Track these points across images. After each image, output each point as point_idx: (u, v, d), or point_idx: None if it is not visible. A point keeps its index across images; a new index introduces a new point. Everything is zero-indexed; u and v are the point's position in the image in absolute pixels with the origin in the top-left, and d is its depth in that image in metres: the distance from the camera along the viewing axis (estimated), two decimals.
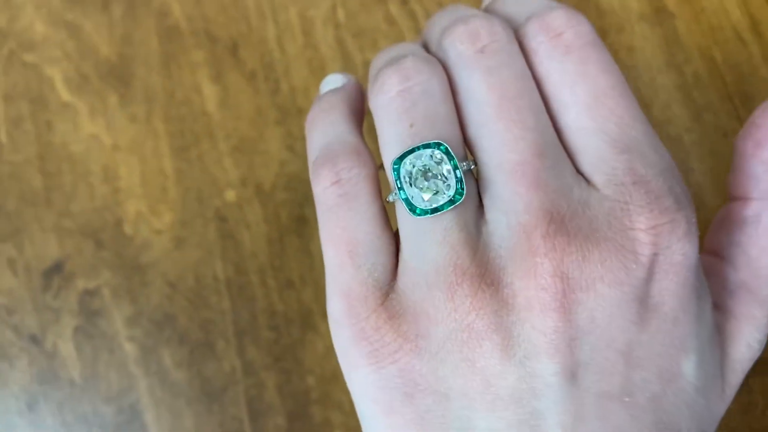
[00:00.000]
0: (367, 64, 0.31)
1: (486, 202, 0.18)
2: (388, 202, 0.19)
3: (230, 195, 0.30)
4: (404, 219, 0.19)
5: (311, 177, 0.20)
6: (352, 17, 0.32)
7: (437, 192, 0.18)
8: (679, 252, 0.17)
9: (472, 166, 0.18)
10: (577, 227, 0.17)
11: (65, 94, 0.31)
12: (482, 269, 0.17)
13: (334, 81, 0.22)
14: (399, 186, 0.18)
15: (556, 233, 0.17)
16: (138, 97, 0.31)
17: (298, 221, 0.30)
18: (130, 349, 0.29)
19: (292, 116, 0.31)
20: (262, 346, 0.29)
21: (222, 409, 0.29)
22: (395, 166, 0.18)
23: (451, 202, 0.18)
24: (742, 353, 0.20)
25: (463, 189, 0.18)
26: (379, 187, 0.19)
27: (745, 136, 0.20)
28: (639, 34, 0.31)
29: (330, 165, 0.19)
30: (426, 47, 0.22)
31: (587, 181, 0.18)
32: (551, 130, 0.18)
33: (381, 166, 0.20)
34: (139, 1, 0.32)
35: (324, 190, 0.19)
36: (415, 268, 0.18)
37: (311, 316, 0.29)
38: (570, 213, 0.17)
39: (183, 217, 0.30)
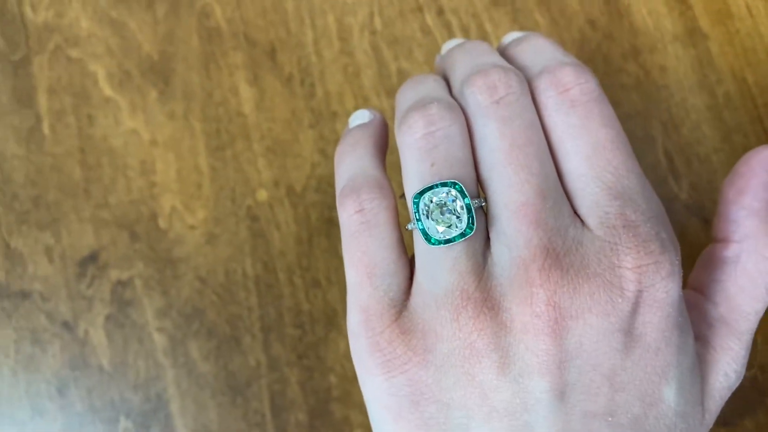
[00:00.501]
0: (401, 73, 0.32)
1: (492, 235, 0.20)
2: (407, 229, 0.21)
3: (262, 195, 0.31)
4: (420, 246, 0.21)
5: (338, 205, 0.22)
6: (389, 25, 0.32)
7: (450, 225, 0.20)
8: (662, 290, 0.19)
9: (483, 203, 0.20)
10: (570, 263, 0.19)
11: (107, 89, 0.32)
12: (485, 295, 0.19)
13: (361, 116, 0.24)
14: (417, 218, 0.20)
15: (551, 267, 0.19)
16: (177, 94, 0.32)
17: (328, 223, 0.31)
18: (159, 339, 0.30)
19: (325, 120, 0.31)
20: (286, 342, 0.30)
21: (245, 402, 0.29)
22: (415, 200, 0.20)
23: (462, 235, 0.20)
24: (721, 382, 0.22)
25: (473, 224, 0.20)
26: (398, 217, 0.21)
27: (729, 184, 0.22)
28: (672, 54, 0.31)
29: (354, 195, 0.21)
30: (445, 79, 0.24)
31: (582, 222, 0.20)
32: (554, 175, 0.20)
33: (402, 196, 0.22)
34: (182, 1, 0.33)
35: (348, 217, 0.21)
36: (427, 291, 0.20)
37: (336, 316, 0.30)
38: (564, 250, 0.19)
39: (216, 214, 0.31)
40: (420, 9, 0.32)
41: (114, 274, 0.31)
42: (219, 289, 0.30)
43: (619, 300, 0.19)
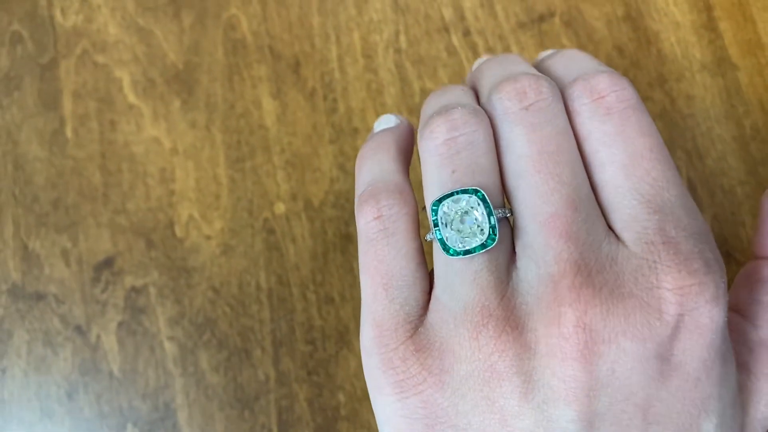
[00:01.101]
0: (424, 92, 0.32)
1: (518, 249, 0.19)
2: (425, 240, 0.20)
3: (279, 208, 0.31)
4: (439, 258, 0.20)
5: (356, 210, 0.21)
6: (414, 44, 0.32)
7: (470, 235, 0.19)
8: (705, 315, 0.18)
9: (508, 215, 0.19)
10: (603, 281, 0.18)
11: (131, 96, 0.32)
12: (508, 313, 0.18)
13: (387, 121, 0.23)
14: (436, 226, 0.19)
15: (582, 285, 0.18)
16: (200, 104, 0.32)
17: (344, 238, 0.30)
18: (169, 348, 0.30)
19: (346, 136, 0.31)
20: (297, 358, 0.30)
21: (253, 416, 0.29)
22: (434, 208, 0.19)
23: (483, 246, 0.18)
24: (762, 412, 0.20)
25: (495, 234, 0.19)
26: (418, 225, 0.20)
27: None
28: (699, 83, 0.31)
29: (373, 201, 0.20)
30: (474, 90, 0.23)
31: (618, 237, 0.19)
32: (587, 185, 0.19)
33: (424, 208, 0.21)
34: (209, 12, 0.33)
35: (366, 224, 0.20)
36: (445, 306, 0.19)
37: (347, 334, 0.30)
38: (597, 267, 0.18)
39: (232, 225, 0.31)
40: (446, 29, 0.32)
41: (128, 281, 0.31)
42: (232, 301, 0.30)
43: (657, 324, 0.17)
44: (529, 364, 0.18)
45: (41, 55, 0.33)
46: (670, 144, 0.31)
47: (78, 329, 0.30)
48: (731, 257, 0.29)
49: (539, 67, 0.23)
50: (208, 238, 0.31)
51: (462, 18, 0.32)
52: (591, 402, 0.17)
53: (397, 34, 0.32)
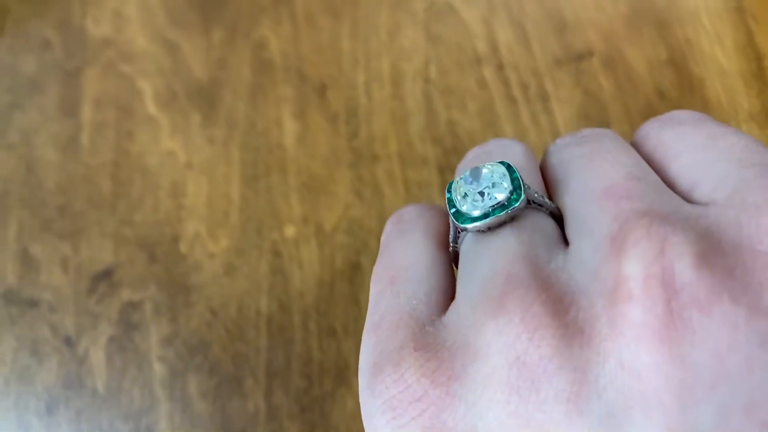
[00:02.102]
0: (451, 123, 0.30)
1: (570, 234, 0.15)
2: (450, 248, 0.17)
3: (289, 230, 0.29)
4: (461, 247, 0.16)
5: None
6: (444, 75, 0.31)
7: (490, 200, 0.15)
8: None
9: (544, 198, 0.16)
10: (688, 226, 0.12)
11: (152, 108, 0.32)
12: (547, 285, 0.13)
13: None
14: (449, 200, 0.16)
15: (652, 224, 0.12)
16: (220, 121, 0.31)
17: (352, 268, 0.29)
18: (159, 369, 0.28)
19: (365, 162, 0.30)
20: (290, 392, 0.27)
21: None
22: (449, 189, 0.16)
23: (503, 206, 0.14)
24: None
25: (519, 196, 0.15)
26: (447, 234, 0.17)
27: None
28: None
29: (398, 213, 0.18)
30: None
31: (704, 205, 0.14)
32: (654, 174, 0.15)
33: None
34: (239, 31, 0.33)
35: (386, 236, 0.17)
36: (463, 294, 0.14)
37: (347, 371, 0.28)
38: (676, 217, 0.13)
39: (239, 244, 0.29)
40: (478, 61, 0.31)
41: (125, 294, 0.29)
42: (229, 324, 0.28)
43: None
44: (581, 354, 0.11)
45: (68, 61, 0.33)
46: None
47: (67, 340, 0.29)
48: None
49: None
50: (212, 256, 0.29)
51: (495, 51, 0.31)
52: (686, 411, 0.10)
53: (427, 63, 0.31)
